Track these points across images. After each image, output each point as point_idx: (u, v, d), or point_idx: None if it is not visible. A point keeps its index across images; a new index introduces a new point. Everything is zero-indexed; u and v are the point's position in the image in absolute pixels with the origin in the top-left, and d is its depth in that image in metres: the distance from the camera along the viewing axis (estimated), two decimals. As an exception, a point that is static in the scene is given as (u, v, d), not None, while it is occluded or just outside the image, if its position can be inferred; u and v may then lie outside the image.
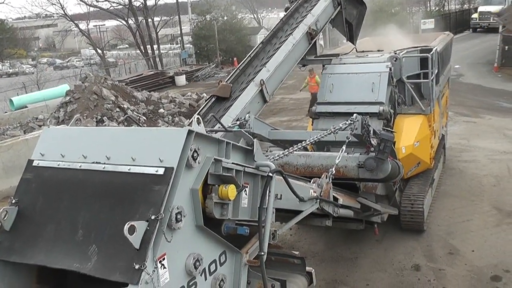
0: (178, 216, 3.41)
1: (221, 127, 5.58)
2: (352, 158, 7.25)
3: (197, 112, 7.83)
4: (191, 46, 41.25)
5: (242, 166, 4.10)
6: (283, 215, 5.45)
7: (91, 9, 40.70)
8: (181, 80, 33.21)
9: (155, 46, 39.53)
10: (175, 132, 3.69)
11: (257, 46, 9.75)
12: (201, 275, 3.70)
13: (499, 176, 12.08)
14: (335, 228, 8.40)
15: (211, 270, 3.85)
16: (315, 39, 9.98)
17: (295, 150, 6.30)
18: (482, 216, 10.06)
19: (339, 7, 10.54)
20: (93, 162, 3.82)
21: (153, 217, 3.28)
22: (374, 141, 7.21)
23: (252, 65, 9.40)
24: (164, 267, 3.35)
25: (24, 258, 3.72)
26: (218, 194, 3.75)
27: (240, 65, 9.34)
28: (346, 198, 7.22)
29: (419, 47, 10.91)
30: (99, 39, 43.08)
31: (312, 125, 9.87)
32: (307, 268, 5.29)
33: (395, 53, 9.97)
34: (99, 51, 40.21)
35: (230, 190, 3.75)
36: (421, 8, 59.96)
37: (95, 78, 20.51)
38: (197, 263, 3.61)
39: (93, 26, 43.56)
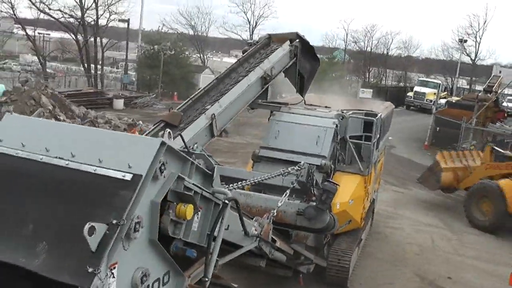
0: (137, 226, 3.30)
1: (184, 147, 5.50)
2: (292, 205, 7.31)
3: (145, 134, 7.69)
4: (135, 72, 40.95)
5: (201, 189, 4.04)
6: (222, 247, 5.37)
7: (41, 16, 39.69)
8: (119, 103, 32.70)
9: (98, 66, 38.96)
10: (148, 141, 3.65)
11: (212, 82, 9.77)
12: None
13: (423, 246, 12.49)
14: (262, 271, 8.33)
15: None
16: (268, 85, 10.13)
17: (242, 187, 6.28)
18: (404, 282, 10.31)
19: (295, 58, 10.77)
20: (56, 157, 3.65)
21: (114, 222, 3.15)
22: (315, 192, 7.31)
23: (203, 100, 9.40)
24: (113, 277, 3.20)
25: None
26: (176, 212, 3.67)
27: (193, 96, 9.30)
28: (282, 242, 7.22)
29: (364, 110, 11.27)
30: (42, 48, 41.75)
31: (252, 167, 9.89)
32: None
33: (342, 112, 10.27)
34: (41, 59, 39.07)
35: (188, 210, 3.69)
36: (360, 78, 62.50)
37: (35, 83, 19.94)
38: (144, 278, 3.48)
39: (38, 33, 42.25)
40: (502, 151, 16.81)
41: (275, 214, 6.32)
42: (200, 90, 9.55)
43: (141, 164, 3.44)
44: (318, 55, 11.76)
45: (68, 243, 3.21)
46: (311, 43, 11.22)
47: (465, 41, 60.11)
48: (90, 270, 3.02)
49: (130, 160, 3.44)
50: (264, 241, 5.95)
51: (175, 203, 3.71)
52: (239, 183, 6.01)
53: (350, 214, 9.76)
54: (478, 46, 62.16)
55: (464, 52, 62.08)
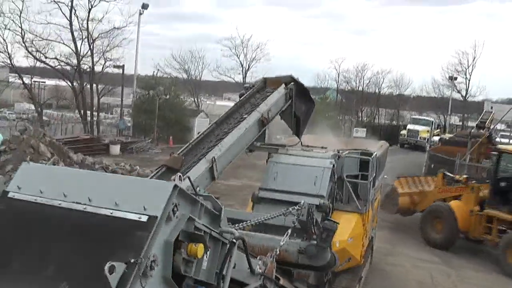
0: (153, 264, 3.50)
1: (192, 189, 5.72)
2: (293, 243, 7.49)
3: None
4: (130, 118, 41.39)
5: (209, 229, 4.25)
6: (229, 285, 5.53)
7: (37, 64, 40.25)
8: (116, 149, 33.01)
9: (94, 112, 39.41)
10: (162, 184, 3.87)
11: (210, 126, 10.03)
12: None
13: (423, 282, 12.63)
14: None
15: None
16: (265, 127, 10.41)
17: (244, 227, 6.47)
18: (405, 319, 10.40)
19: (290, 100, 11.09)
20: (74, 202, 3.86)
21: (132, 261, 3.35)
22: (315, 230, 7.51)
23: (203, 144, 9.65)
24: None
25: None
26: (187, 251, 3.87)
27: (193, 141, 9.54)
28: (285, 280, 7.37)
29: (359, 150, 11.57)
30: (37, 96, 42.20)
31: (252, 209, 10.09)
32: None
33: (338, 152, 10.54)
34: (38, 107, 39.51)
35: (200, 249, 3.88)
36: (352, 117, 63.14)
37: (34, 131, 20.22)
38: None
39: (33, 81, 42.77)
40: (452, 175, 18.62)
41: (278, 252, 6.50)
42: (199, 134, 9.79)
43: (156, 206, 3.66)
44: (312, 96, 12.09)
45: (89, 283, 3.41)
46: (305, 85, 11.59)
47: (455, 78, 61.26)
48: None
49: (145, 203, 3.67)
50: (269, 279, 6.13)
51: (186, 242, 3.92)
52: (243, 223, 6.21)
53: (349, 251, 9.93)
54: (468, 83, 63.30)
55: (455, 89, 63.19)
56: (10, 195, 4.13)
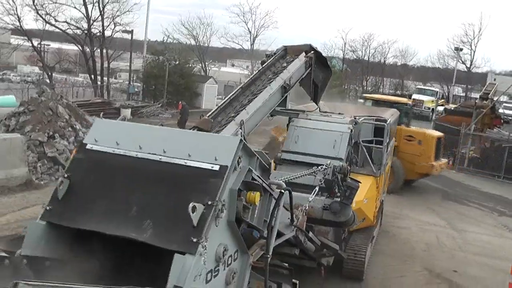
0: (223, 208, 4.11)
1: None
2: (319, 201, 8.13)
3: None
4: (140, 83, 41.76)
5: (262, 180, 4.86)
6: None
7: (47, 27, 40.42)
8: (126, 113, 33.42)
9: (104, 78, 39.78)
10: (230, 139, 4.52)
11: (236, 90, 10.58)
12: (222, 264, 4.36)
13: (429, 243, 13.39)
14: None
15: (229, 263, 4.49)
16: (287, 93, 10.97)
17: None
18: (414, 274, 11.16)
19: (310, 68, 11.62)
20: (149, 153, 4.45)
21: (209, 203, 3.96)
22: (339, 189, 8.15)
23: (228, 109, 10.21)
24: (206, 249, 4.00)
25: (75, 224, 4.24)
26: (246, 198, 4.47)
27: (221, 104, 10.11)
28: (312, 234, 8.04)
29: (374, 116, 12.14)
30: (42, 59, 42.28)
31: (275, 169, 10.70)
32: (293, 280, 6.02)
33: (355, 118, 11.11)
34: (47, 70, 39.87)
35: (257, 196, 4.48)
36: (357, 86, 63.45)
37: (51, 94, 20.69)
38: (225, 252, 4.26)
39: (40, 44, 42.76)
40: None
41: (307, 207, 7.15)
42: (226, 98, 10.34)
43: (226, 157, 4.25)
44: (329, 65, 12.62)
45: (170, 221, 4.02)
46: (323, 54, 12.11)
47: (461, 49, 61.29)
48: (194, 240, 3.84)
49: (216, 154, 4.26)
50: (301, 230, 6.78)
51: (244, 191, 4.52)
52: (283, 177, 6.84)
53: (364, 212, 10.59)
54: (473, 54, 63.33)
55: (460, 60, 63.27)
56: (88, 146, 4.71)
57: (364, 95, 26.36)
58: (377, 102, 20.86)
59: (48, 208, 4.35)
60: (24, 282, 3.43)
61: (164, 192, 4.23)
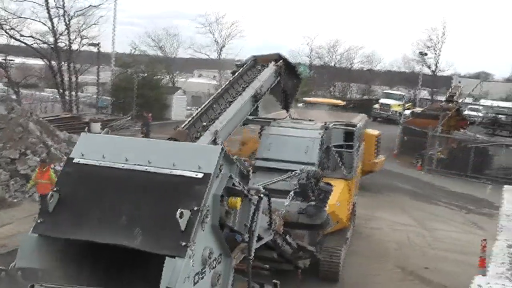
0: (208, 213, 4.36)
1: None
2: (294, 205, 8.44)
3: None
4: (108, 96, 41.58)
5: (241, 186, 5.13)
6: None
7: (12, 42, 39.93)
8: (96, 127, 33.31)
9: (72, 91, 39.49)
10: (212, 148, 4.78)
11: (209, 101, 10.79)
12: (208, 266, 4.60)
13: (400, 242, 13.86)
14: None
15: (213, 265, 4.75)
16: (258, 102, 11.25)
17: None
18: (388, 273, 11.56)
19: (280, 76, 11.93)
20: (135, 164, 4.68)
21: (195, 208, 4.21)
22: (313, 193, 8.46)
23: (202, 118, 10.44)
24: (194, 252, 4.24)
25: (67, 234, 4.43)
26: (228, 203, 4.74)
27: (195, 115, 10.31)
28: (289, 237, 8.32)
29: (343, 122, 12.53)
30: (8, 74, 41.58)
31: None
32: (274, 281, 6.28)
33: (326, 124, 11.47)
34: (14, 86, 39.39)
35: (238, 201, 4.77)
36: (325, 92, 64.15)
37: (21, 110, 20.61)
38: (210, 255, 4.51)
39: (7, 60, 42.15)
40: None
41: (283, 212, 7.44)
42: (199, 109, 10.54)
43: (209, 165, 4.53)
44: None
45: (159, 227, 4.26)
46: (292, 62, 12.46)
47: (425, 54, 62.61)
48: (183, 244, 4.09)
49: (199, 163, 4.53)
50: (279, 234, 7.06)
51: (226, 196, 4.78)
52: (262, 183, 7.12)
53: (338, 215, 10.90)
54: (438, 58, 64.87)
55: (425, 64, 64.61)
56: (75, 160, 4.92)
57: (304, 99, 26.83)
58: (313, 105, 21.56)
59: (39, 221, 4.54)
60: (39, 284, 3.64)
61: (151, 200, 4.47)
